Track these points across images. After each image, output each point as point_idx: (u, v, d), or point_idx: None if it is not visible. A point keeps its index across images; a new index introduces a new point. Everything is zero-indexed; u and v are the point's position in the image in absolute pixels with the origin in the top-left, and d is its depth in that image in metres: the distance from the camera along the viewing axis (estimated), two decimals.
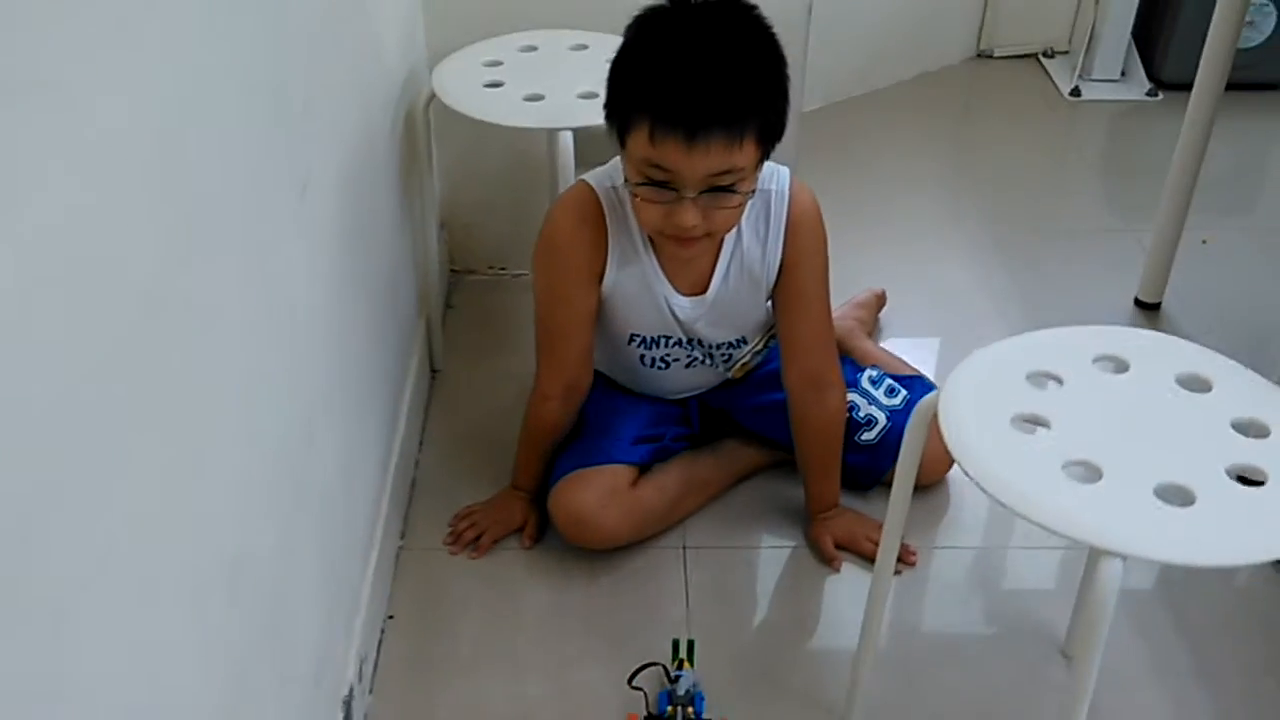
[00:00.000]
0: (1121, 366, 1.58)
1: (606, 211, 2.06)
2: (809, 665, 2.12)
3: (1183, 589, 2.22)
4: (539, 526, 2.31)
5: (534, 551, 2.30)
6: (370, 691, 2.02)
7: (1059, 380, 1.57)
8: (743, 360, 2.29)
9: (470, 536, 2.30)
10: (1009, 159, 3.57)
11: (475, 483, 2.39)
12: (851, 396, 2.28)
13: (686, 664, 1.89)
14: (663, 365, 2.25)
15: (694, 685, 1.86)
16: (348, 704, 1.84)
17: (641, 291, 2.12)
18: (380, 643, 2.10)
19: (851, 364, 2.38)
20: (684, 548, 2.31)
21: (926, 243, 3.15)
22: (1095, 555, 1.39)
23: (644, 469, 2.27)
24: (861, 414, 2.31)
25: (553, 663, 2.10)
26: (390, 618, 2.17)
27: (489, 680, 2.06)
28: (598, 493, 2.17)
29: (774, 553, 2.32)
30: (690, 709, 1.82)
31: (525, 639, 2.15)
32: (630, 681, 1.87)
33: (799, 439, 2.23)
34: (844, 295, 2.69)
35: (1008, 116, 3.72)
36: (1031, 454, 1.46)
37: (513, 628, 2.16)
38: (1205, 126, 2.61)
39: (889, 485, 1.78)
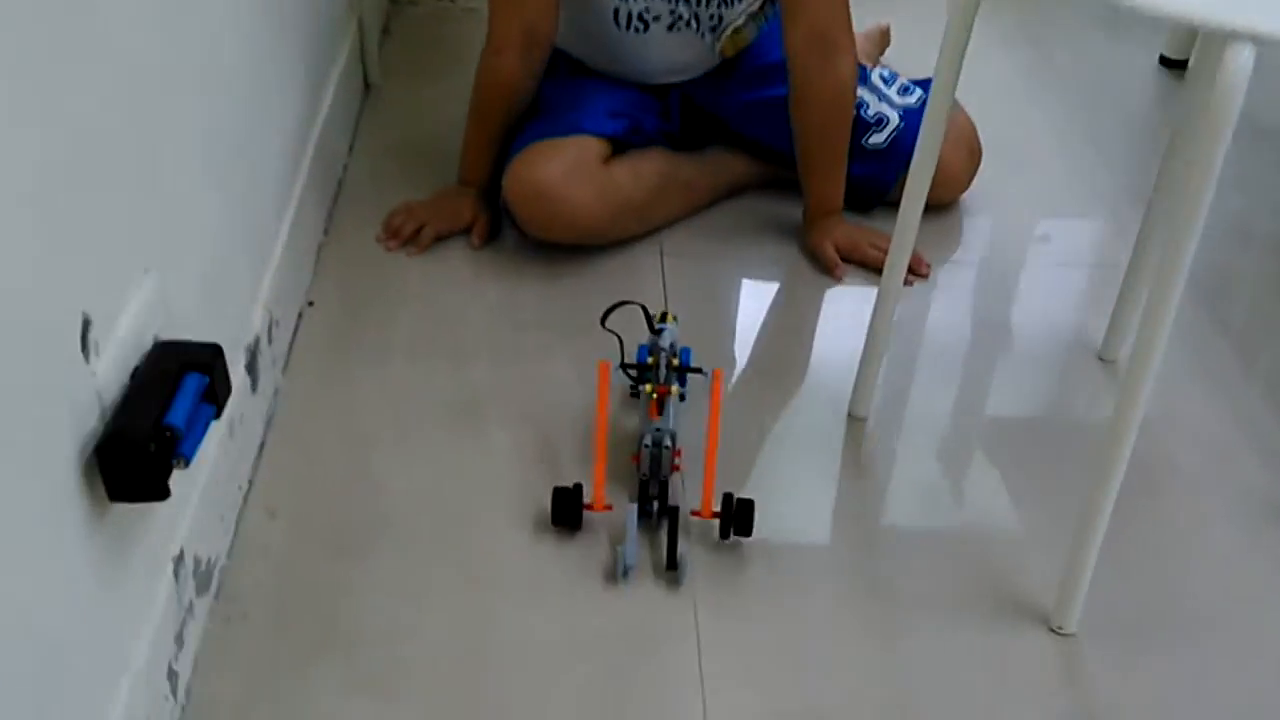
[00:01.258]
0: None
1: None
2: (811, 366, 1.80)
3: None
4: (491, 225, 1.93)
5: (485, 252, 1.94)
6: (284, 370, 1.66)
7: None
8: (735, 25, 1.93)
9: (409, 230, 1.93)
10: None
11: (410, 193, 2.03)
12: (860, 93, 1.92)
13: (671, 319, 1.61)
14: (641, 26, 1.88)
15: (677, 341, 1.59)
16: (252, 352, 1.51)
17: None
18: (297, 328, 1.76)
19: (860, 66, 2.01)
20: (662, 253, 1.95)
21: None
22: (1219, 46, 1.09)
23: (618, 149, 1.88)
24: (870, 112, 1.97)
25: (505, 353, 1.76)
26: (310, 304, 1.79)
27: (426, 368, 1.72)
28: (564, 164, 1.82)
29: (766, 263, 1.98)
30: (675, 359, 1.56)
31: (472, 332, 1.80)
32: (603, 322, 1.56)
33: (800, 121, 1.89)
34: None
35: None
36: None
37: (456, 321, 1.82)
38: None
39: (896, 205, 1.52)
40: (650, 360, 1.54)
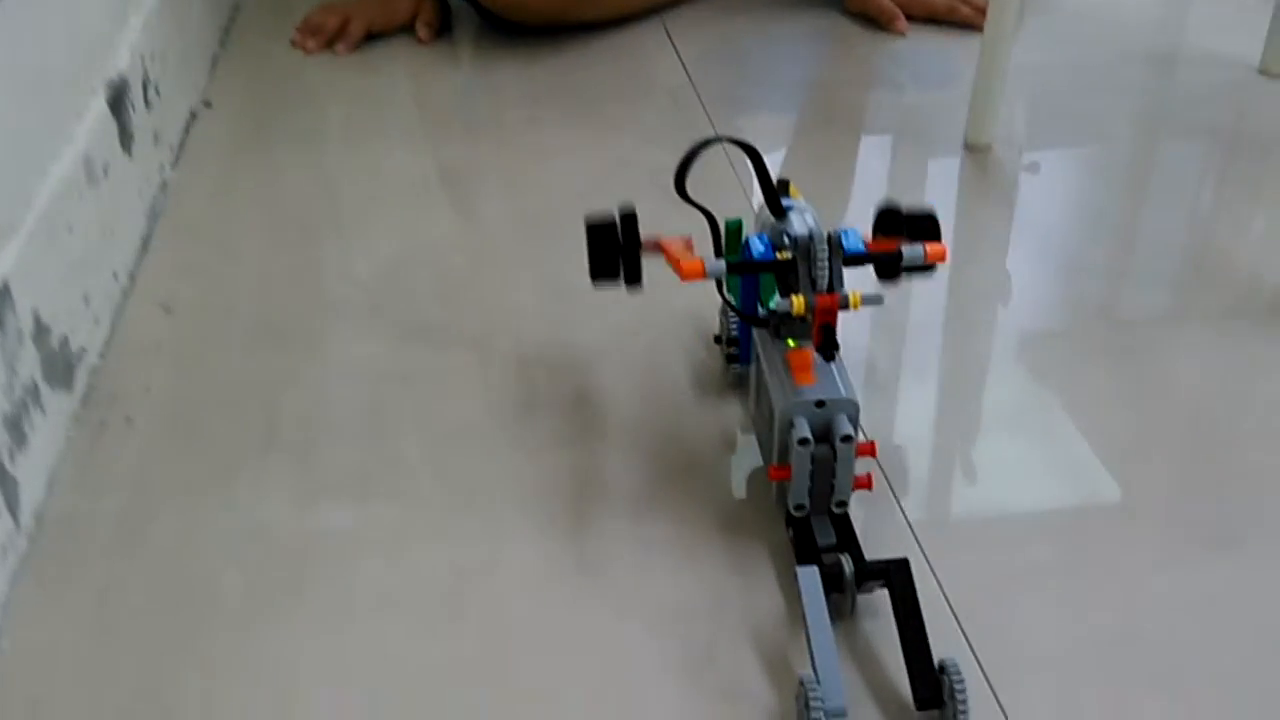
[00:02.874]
0: None
1: None
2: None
3: None
4: (440, 15, 1.45)
5: (438, 46, 1.45)
6: (174, 165, 1.14)
7: None
8: None
9: (334, 25, 1.43)
10: None
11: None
12: None
13: (794, 191, 0.81)
14: None
15: (818, 224, 0.75)
16: (118, 92, 1.05)
17: None
18: (189, 126, 1.28)
19: None
20: (668, 33, 1.46)
21: None
22: None
23: None
24: None
25: (480, 128, 1.29)
26: (207, 104, 1.30)
27: (374, 150, 1.24)
28: None
29: (801, 38, 1.51)
30: (839, 248, 0.72)
31: (431, 113, 1.34)
32: (680, 185, 0.75)
33: None
34: None
35: None
36: None
37: (407, 105, 1.35)
38: None
39: None
40: (782, 256, 0.73)
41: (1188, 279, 1.02)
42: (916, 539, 0.74)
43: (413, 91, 1.36)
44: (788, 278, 0.71)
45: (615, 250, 0.77)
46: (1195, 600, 0.70)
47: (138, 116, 1.08)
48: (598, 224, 0.77)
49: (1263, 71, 1.37)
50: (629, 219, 0.77)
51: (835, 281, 0.69)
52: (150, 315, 0.97)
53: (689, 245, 0.79)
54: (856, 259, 0.71)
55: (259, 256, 1.05)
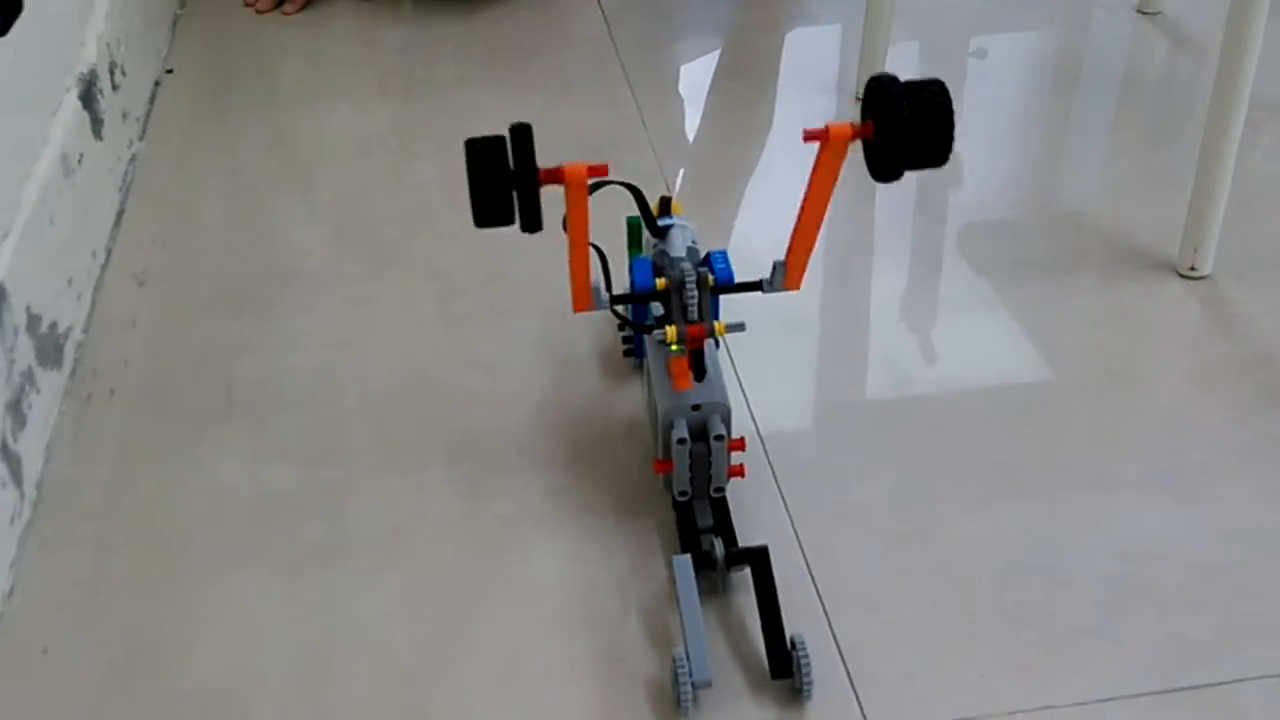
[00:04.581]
0: None
1: None
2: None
3: None
4: None
5: (381, 6, 1.58)
6: (142, 136, 1.28)
7: None
8: None
9: None
10: None
11: None
12: None
13: (676, 206, 0.92)
14: None
15: (698, 242, 0.90)
16: (87, 84, 1.17)
17: None
18: (154, 97, 1.41)
19: None
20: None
21: None
22: None
23: None
24: None
25: (418, 87, 1.42)
26: (169, 71, 1.43)
27: (323, 110, 1.37)
28: None
29: None
30: (710, 277, 0.82)
31: (374, 71, 1.46)
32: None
33: None
34: None
35: None
36: None
37: (354, 65, 1.47)
38: None
39: None
40: (660, 285, 0.81)
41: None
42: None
43: (356, 49, 1.48)
44: (667, 301, 0.82)
45: (506, 180, 0.66)
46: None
47: (106, 101, 1.20)
48: (481, 145, 0.65)
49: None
50: (521, 134, 0.65)
51: (703, 313, 0.79)
52: (125, 288, 1.11)
53: (596, 171, 0.68)
54: (724, 289, 0.82)
55: (219, 223, 1.19)
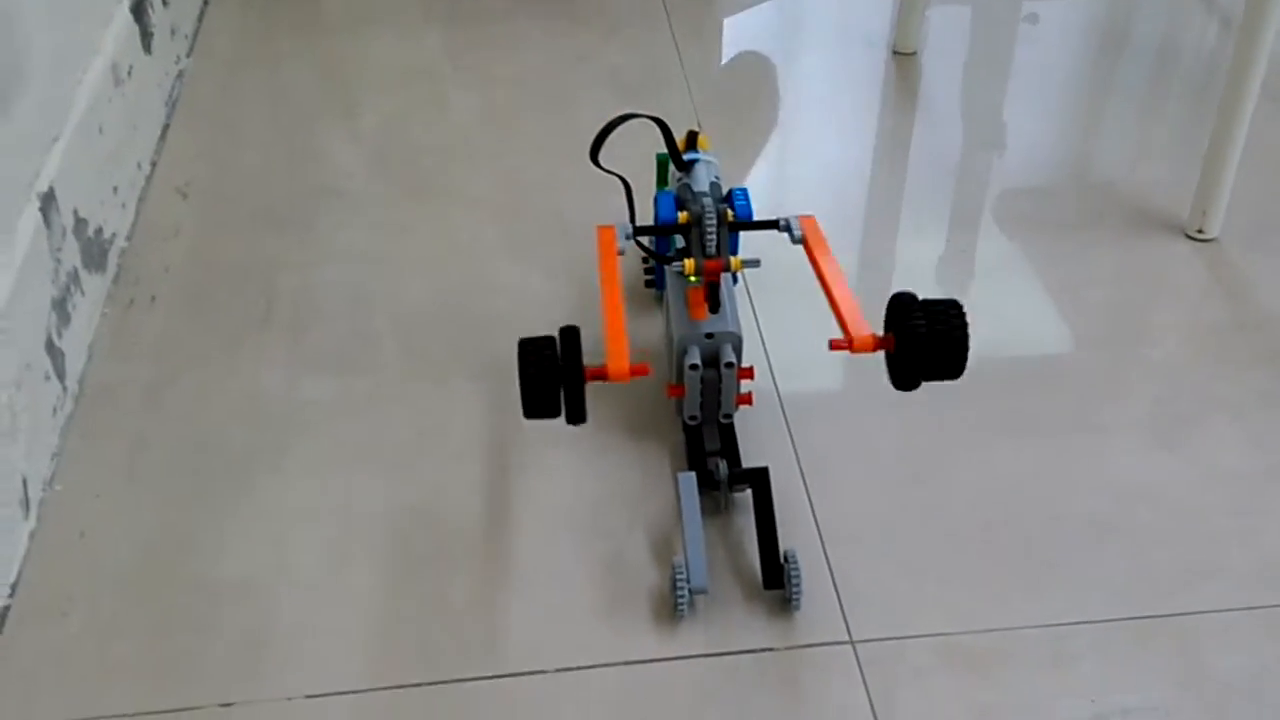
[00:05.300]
0: None
1: None
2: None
3: None
4: None
5: None
6: (189, 54, 1.34)
7: None
8: None
9: None
10: None
11: None
12: None
13: (702, 140, 0.97)
14: None
15: (721, 178, 0.95)
16: None
17: None
18: (202, 15, 1.45)
19: None
20: None
21: None
22: None
23: None
24: None
25: (461, 18, 1.44)
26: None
27: (368, 36, 1.41)
28: None
29: None
30: (729, 212, 0.86)
31: (411, 6, 1.45)
32: (595, 154, 0.87)
33: None
34: None
35: None
36: None
37: None
38: None
39: None
40: (681, 219, 0.86)
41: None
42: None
43: None
44: (687, 235, 0.86)
45: (555, 378, 0.72)
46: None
47: (156, 15, 1.24)
48: (532, 346, 0.72)
49: None
50: (569, 337, 0.73)
51: (720, 248, 0.83)
52: (169, 199, 1.15)
53: (638, 371, 0.75)
54: (742, 225, 0.87)
55: (263, 142, 1.22)
